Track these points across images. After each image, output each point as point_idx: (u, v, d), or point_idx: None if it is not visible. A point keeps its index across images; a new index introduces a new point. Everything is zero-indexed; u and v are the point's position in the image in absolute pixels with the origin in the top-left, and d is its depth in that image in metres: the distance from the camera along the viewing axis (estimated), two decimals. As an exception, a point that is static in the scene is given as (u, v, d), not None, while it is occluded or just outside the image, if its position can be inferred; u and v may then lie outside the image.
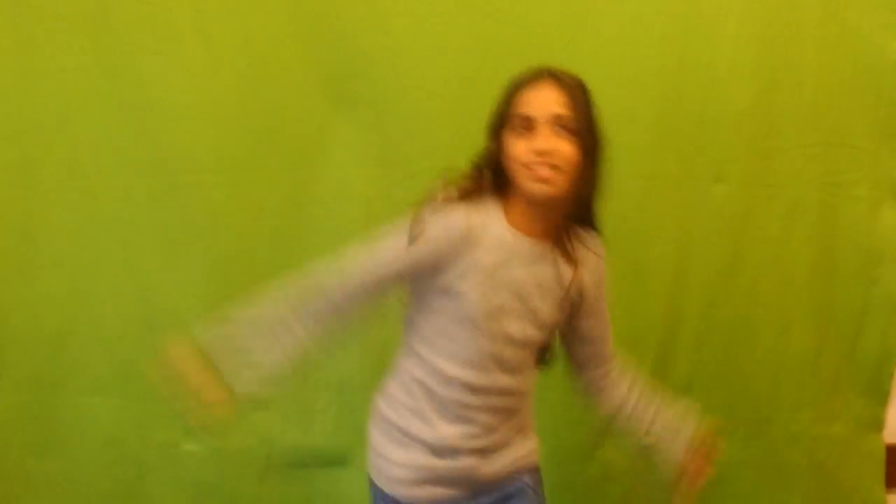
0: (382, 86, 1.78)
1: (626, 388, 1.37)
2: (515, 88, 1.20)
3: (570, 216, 1.25)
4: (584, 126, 1.18)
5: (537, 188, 1.17)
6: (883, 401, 1.96)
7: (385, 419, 1.30)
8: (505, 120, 1.20)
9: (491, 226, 1.20)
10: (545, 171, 1.16)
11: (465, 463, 1.27)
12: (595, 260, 1.30)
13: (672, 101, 1.80)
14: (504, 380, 1.25)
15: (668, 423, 1.37)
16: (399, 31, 1.75)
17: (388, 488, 1.29)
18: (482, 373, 1.23)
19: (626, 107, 1.79)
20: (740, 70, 1.80)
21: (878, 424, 1.97)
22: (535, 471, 1.36)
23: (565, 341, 1.36)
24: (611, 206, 1.80)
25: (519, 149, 1.17)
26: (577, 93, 1.18)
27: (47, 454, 1.90)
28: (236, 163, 1.80)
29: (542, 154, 1.16)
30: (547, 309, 1.25)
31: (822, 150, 1.85)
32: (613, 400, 1.37)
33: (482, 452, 1.27)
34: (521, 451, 1.33)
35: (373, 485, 1.32)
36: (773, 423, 1.92)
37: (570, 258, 1.25)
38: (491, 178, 1.22)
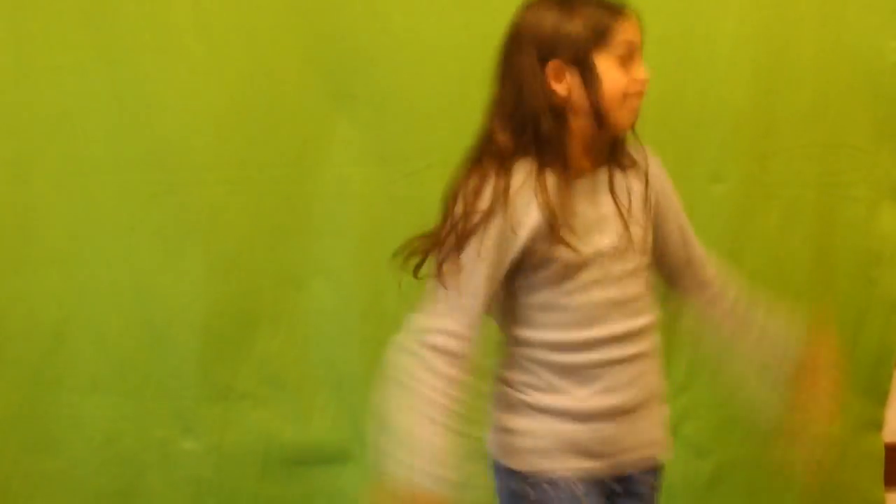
0: (382, 83, 1.78)
1: (734, 308, 1.30)
2: (608, 15, 1.12)
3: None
4: None
5: (631, 120, 1.17)
6: (882, 400, 1.96)
7: (513, 401, 1.21)
8: (597, 48, 1.11)
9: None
10: (638, 102, 1.16)
11: (606, 427, 1.19)
12: (652, 165, 1.26)
13: (670, 101, 1.80)
14: (627, 324, 1.18)
15: (779, 331, 1.28)
16: (398, 29, 1.75)
17: (520, 464, 1.20)
18: (602, 325, 1.16)
19: (625, 106, 1.80)
20: (738, 70, 1.81)
21: (877, 424, 1.98)
22: (660, 471, 1.30)
23: (662, 268, 1.30)
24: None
25: (623, 79, 1.13)
26: None
27: (45, 452, 1.90)
28: (235, 160, 1.80)
29: (644, 83, 1.16)
30: (636, 229, 1.19)
31: (821, 150, 1.85)
32: (726, 325, 1.31)
33: (622, 413, 1.19)
34: (657, 422, 1.26)
35: (501, 469, 1.22)
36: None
37: (629, 170, 1.21)
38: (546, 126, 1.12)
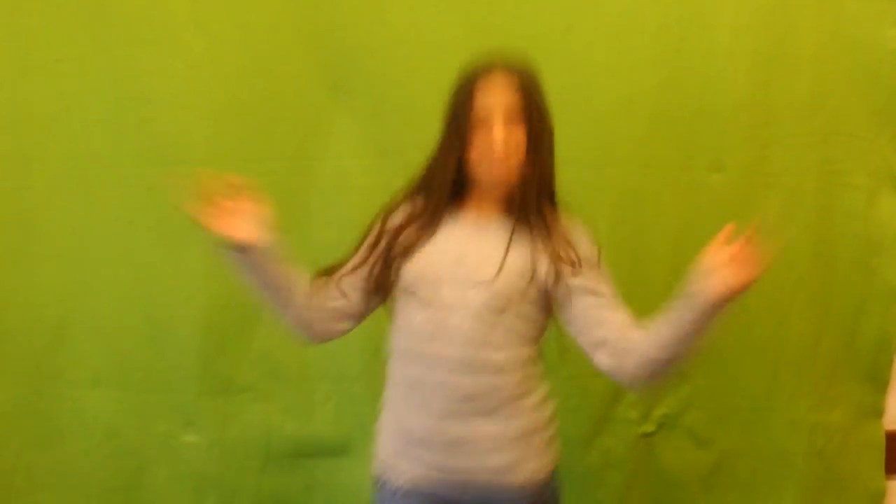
0: (380, 76, 1.78)
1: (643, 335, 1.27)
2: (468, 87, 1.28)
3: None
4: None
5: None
6: (882, 388, 1.97)
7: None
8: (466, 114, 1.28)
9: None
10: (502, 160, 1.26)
11: None
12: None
13: (669, 91, 1.80)
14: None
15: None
16: (396, 22, 1.75)
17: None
18: None
19: (624, 96, 1.80)
20: (738, 59, 1.81)
21: (877, 411, 1.98)
22: None
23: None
24: (608, 195, 1.83)
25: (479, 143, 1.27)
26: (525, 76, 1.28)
27: (47, 446, 1.91)
28: (234, 153, 1.80)
29: (499, 143, 1.25)
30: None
31: (820, 138, 1.85)
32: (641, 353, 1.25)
33: None
34: None
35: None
36: (773, 410, 1.93)
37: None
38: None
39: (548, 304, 1.33)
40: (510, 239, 1.29)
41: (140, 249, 1.84)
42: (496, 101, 1.25)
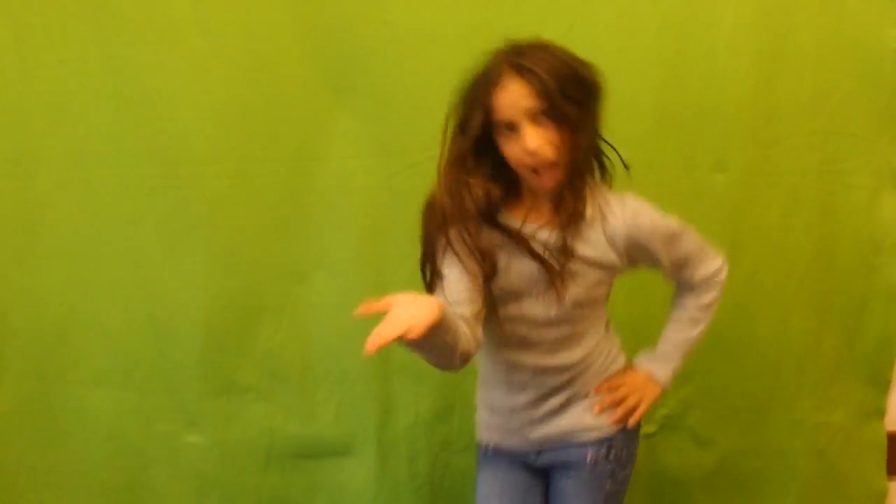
0: (382, 76, 1.78)
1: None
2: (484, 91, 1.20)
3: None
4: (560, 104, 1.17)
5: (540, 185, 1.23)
6: (884, 388, 1.96)
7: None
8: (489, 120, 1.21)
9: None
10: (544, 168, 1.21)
11: None
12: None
13: (671, 90, 1.80)
14: None
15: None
16: (398, 21, 1.75)
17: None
18: None
19: (625, 95, 1.79)
20: (739, 58, 1.80)
21: (879, 412, 1.97)
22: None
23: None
24: (610, 195, 1.82)
25: (514, 149, 1.20)
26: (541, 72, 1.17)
27: (49, 446, 1.91)
28: (236, 154, 1.80)
29: (533, 154, 1.18)
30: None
31: (822, 138, 1.85)
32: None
33: None
34: None
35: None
36: (774, 411, 1.92)
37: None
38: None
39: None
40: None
41: (143, 249, 1.84)
42: (509, 104, 1.18)
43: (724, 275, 1.43)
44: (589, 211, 1.28)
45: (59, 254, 1.84)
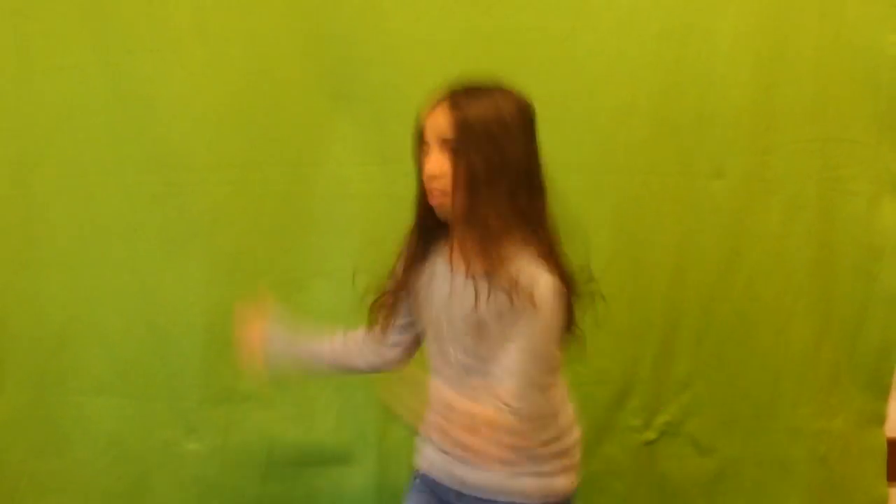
0: (381, 82, 1.78)
1: None
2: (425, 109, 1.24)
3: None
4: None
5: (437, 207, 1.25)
6: (884, 395, 1.96)
7: None
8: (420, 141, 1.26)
9: None
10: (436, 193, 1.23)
11: None
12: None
13: (671, 96, 1.80)
14: None
15: None
16: (397, 28, 1.75)
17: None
18: None
19: (625, 102, 1.80)
20: (739, 65, 1.80)
21: (879, 419, 1.98)
22: None
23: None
24: (609, 202, 1.83)
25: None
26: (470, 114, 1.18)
27: (50, 454, 1.91)
28: (236, 160, 1.80)
29: (428, 177, 1.22)
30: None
31: (822, 144, 1.85)
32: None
33: None
34: None
35: None
36: (774, 418, 1.92)
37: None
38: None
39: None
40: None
41: (142, 257, 1.84)
42: (435, 130, 1.20)
43: (502, 419, 1.15)
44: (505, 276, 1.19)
45: (60, 261, 1.84)
